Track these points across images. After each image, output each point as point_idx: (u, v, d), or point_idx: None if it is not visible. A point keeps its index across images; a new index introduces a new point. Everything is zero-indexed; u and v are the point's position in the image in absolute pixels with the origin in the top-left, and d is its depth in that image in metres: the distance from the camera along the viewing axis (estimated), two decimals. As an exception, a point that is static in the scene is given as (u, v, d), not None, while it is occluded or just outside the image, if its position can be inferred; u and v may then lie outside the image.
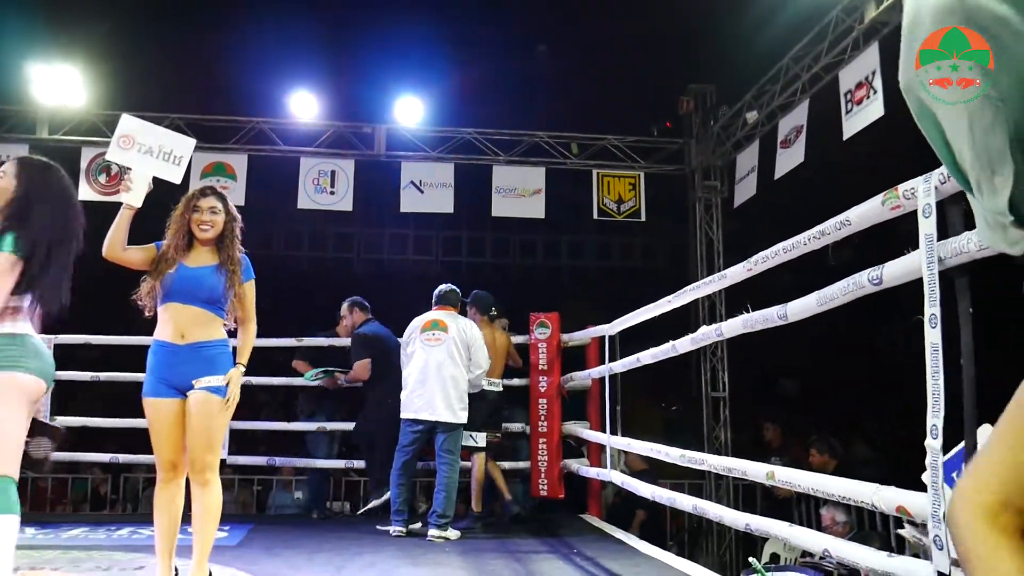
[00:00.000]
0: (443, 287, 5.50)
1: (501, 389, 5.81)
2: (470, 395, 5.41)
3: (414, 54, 10.41)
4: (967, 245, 2.19)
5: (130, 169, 3.26)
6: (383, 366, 5.70)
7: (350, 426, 6.16)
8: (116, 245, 3.14)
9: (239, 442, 6.65)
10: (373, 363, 5.72)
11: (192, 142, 3.43)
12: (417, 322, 5.36)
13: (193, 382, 3.06)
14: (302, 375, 6.11)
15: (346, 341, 6.02)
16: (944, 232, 2.29)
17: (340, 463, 6.53)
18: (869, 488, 2.60)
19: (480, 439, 5.57)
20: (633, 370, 5.04)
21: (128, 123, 3.33)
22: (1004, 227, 1.03)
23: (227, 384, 3.11)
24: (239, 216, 3.32)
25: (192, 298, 3.13)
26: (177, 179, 3.34)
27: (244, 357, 3.22)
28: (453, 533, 5.02)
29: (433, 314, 5.36)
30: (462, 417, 5.18)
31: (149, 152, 3.29)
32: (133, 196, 3.19)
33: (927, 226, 2.31)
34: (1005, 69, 0.97)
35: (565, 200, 9.31)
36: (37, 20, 8.59)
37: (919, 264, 2.36)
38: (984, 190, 1.03)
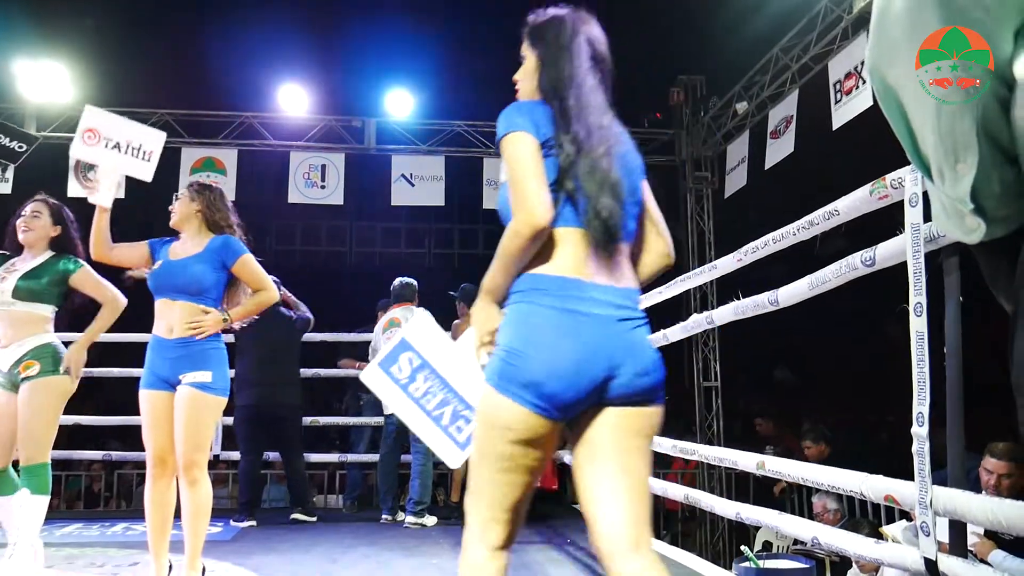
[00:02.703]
0: (397, 283, 5.58)
1: None
2: None
3: (404, 47, 10.38)
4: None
5: (96, 167, 3.08)
6: (245, 340, 5.34)
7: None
8: (100, 246, 3.09)
9: (232, 438, 6.64)
10: (239, 334, 5.24)
11: (162, 135, 3.22)
12: (379, 324, 5.61)
13: (180, 377, 3.03)
14: None
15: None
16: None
17: (334, 456, 6.60)
18: (857, 477, 2.61)
19: None
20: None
21: (92, 116, 3.08)
22: (962, 215, 1.02)
23: (214, 379, 3.04)
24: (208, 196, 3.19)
25: (175, 291, 3.06)
26: (148, 176, 3.16)
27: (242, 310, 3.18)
28: (429, 519, 5.14)
29: (391, 313, 5.54)
30: None
31: (116, 148, 3.08)
32: (101, 196, 3.04)
33: (913, 215, 2.32)
34: None
35: (557, 192, 9.29)
36: (22, 16, 8.52)
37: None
38: (945, 177, 1.01)
